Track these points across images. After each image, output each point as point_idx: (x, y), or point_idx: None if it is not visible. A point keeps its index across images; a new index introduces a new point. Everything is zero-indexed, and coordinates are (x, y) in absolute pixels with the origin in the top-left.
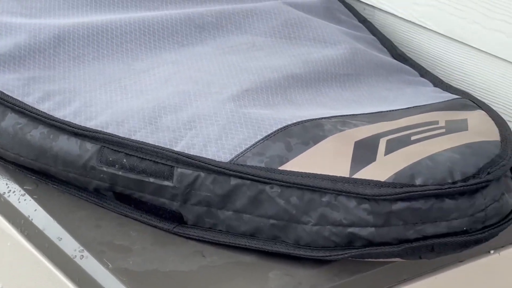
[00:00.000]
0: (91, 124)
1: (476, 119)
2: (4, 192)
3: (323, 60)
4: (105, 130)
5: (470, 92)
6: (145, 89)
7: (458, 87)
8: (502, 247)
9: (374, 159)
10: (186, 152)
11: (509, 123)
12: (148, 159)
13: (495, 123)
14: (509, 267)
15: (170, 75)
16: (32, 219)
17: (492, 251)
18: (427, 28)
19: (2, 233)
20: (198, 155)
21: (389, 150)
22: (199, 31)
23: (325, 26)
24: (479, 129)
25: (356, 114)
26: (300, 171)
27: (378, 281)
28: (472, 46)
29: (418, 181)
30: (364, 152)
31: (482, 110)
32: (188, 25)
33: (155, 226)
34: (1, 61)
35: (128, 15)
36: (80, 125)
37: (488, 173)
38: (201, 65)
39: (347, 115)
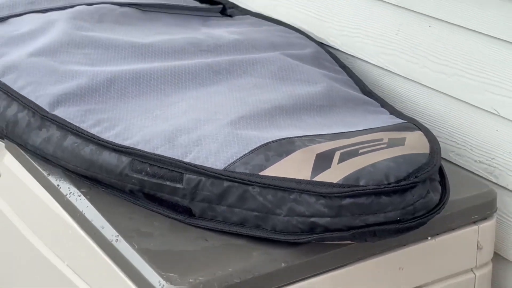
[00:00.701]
0: (127, 142)
1: (413, 137)
2: (67, 193)
3: (304, 95)
4: (135, 147)
5: (419, 119)
6: (169, 117)
7: (410, 115)
8: (437, 234)
9: (329, 167)
10: (192, 162)
11: (446, 143)
12: (165, 168)
13: (428, 140)
14: (442, 250)
15: (189, 106)
16: (84, 213)
17: (429, 238)
18: (391, 71)
19: (64, 223)
20: (201, 164)
21: (341, 160)
22: (216, 75)
23: (310, 70)
24: (414, 145)
25: (323, 134)
26: (274, 175)
27: (337, 259)
28: (422, 84)
29: (361, 183)
30: (322, 161)
31: (421, 131)
32: (207, 70)
33: (172, 218)
34: (67, 98)
35: (162, 64)
36: (118, 143)
37: (416, 177)
38: (213, 99)
39: (315, 135)
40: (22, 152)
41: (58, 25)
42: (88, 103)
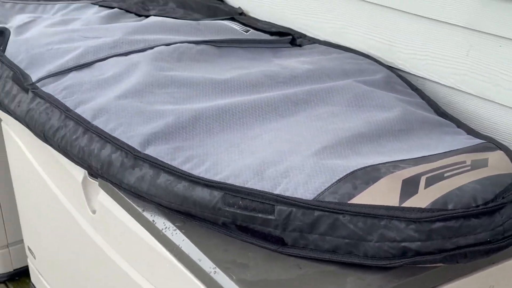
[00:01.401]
0: (217, 177)
1: (495, 158)
2: (162, 228)
3: (382, 120)
4: (226, 182)
5: (496, 137)
6: (254, 150)
7: (486, 133)
8: None
9: (416, 192)
10: (282, 194)
11: None
12: (257, 201)
13: (510, 160)
14: None
15: (272, 138)
16: (181, 246)
17: None
18: (463, 91)
19: (161, 256)
20: (291, 196)
21: (428, 184)
22: (294, 106)
23: (384, 95)
24: (497, 165)
25: (405, 159)
26: (363, 203)
27: (428, 281)
28: (496, 102)
29: (450, 206)
30: (409, 187)
31: (501, 150)
32: (286, 102)
33: (265, 248)
34: (156, 137)
35: (242, 98)
36: (210, 179)
37: (503, 197)
38: (294, 130)
39: (397, 160)
40: (116, 189)
41: (141, 67)
42: (176, 141)
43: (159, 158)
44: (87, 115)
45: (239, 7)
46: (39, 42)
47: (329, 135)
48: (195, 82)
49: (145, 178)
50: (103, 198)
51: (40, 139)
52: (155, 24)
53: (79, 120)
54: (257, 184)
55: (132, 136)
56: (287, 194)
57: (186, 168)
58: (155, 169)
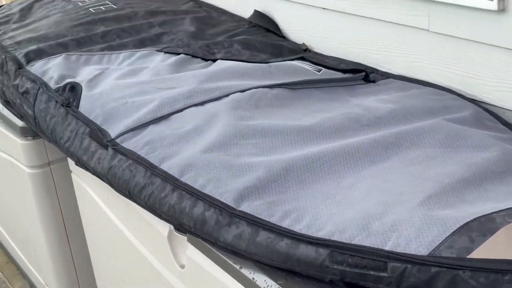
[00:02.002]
0: (320, 234)
1: None
2: (264, 286)
3: (481, 163)
4: (332, 238)
5: None
6: (353, 201)
7: None
8: None
9: None
10: (394, 250)
11: None
12: (368, 258)
13: None
14: None
15: (370, 188)
16: None
17: None
18: None
19: None
20: (404, 252)
21: None
22: (385, 150)
23: (477, 133)
24: None
25: None
26: (483, 258)
27: None
28: None
29: None
30: None
31: None
32: (375, 146)
33: None
34: (249, 192)
35: (330, 145)
36: (314, 236)
37: None
38: (390, 177)
39: (510, 208)
40: (208, 245)
41: (221, 118)
42: (269, 195)
43: (256, 215)
44: (174, 172)
45: (303, 43)
46: (113, 96)
47: (431, 183)
48: (278, 130)
49: (243, 236)
50: (193, 254)
51: (124, 196)
52: (227, 70)
53: (167, 177)
54: (365, 240)
55: (225, 192)
56: (399, 250)
57: (285, 224)
58: (253, 226)
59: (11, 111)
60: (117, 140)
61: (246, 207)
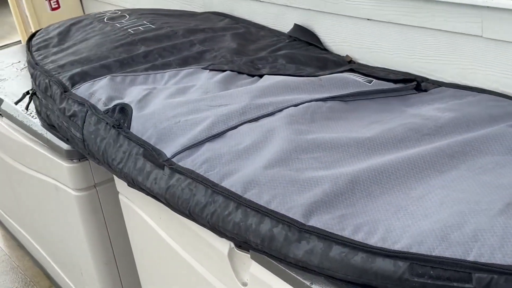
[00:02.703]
0: (397, 246)
1: None
2: None
3: None
4: (410, 251)
5: None
6: (427, 212)
7: None
8: None
9: None
10: (479, 261)
11: None
12: (450, 269)
13: None
14: None
15: (442, 198)
16: None
17: None
18: None
19: None
20: (489, 262)
21: None
22: (450, 159)
23: None
24: None
25: None
26: None
27: None
28: None
29: None
30: None
31: None
32: (441, 156)
33: None
34: (317, 207)
35: (394, 156)
36: (391, 249)
37: None
38: (462, 187)
39: None
40: (274, 262)
41: (279, 133)
42: (338, 209)
43: (327, 230)
44: (236, 189)
45: (347, 55)
46: (165, 115)
47: (507, 190)
48: (338, 144)
49: (315, 251)
50: (257, 271)
51: (183, 216)
52: (277, 85)
53: (230, 195)
54: (445, 251)
55: (292, 208)
56: (483, 260)
57: (359, 238)
58: (325, 241)
59: (56, 135)
60: (174, 160)
61: (315, 222)
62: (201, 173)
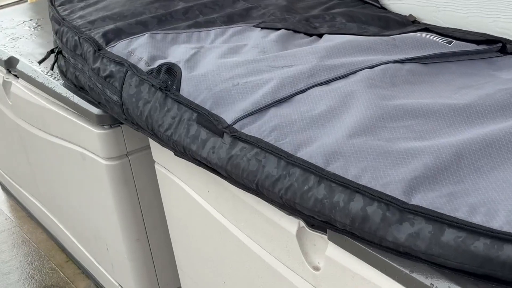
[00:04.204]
0: None
1: None
2: None
3: None
4: None
5: None
6: None
7: None
8: None
9: None
10: None
11: None
12: None
13: None
14: None
15: None
16: None
17: None
18: None
19: None
20: None
21: None
22: None
23: None
24: None
25: None
26: None
27: None
28: None
29: None
30: None
31: None
32: None
33: None
34: (418, 183)
35: (501, 126)
36: None
37: None
38: None
39: None
40: (361, 246)
41: (359, 98)
42: (445, 186)
43: (436, 210)
44: (317, 160)
45: (410, 15)
46: (220, 77)
47: None
48: (430, 111)
49: (422, 235)
50: (335, 254)
51: (246, 190)
52: (347, 45)
53: (309, 167)
54: None
55: (388, 184)
56: None
57: (478, 221)
58: (435, 223)
59: (85, 98)
60: (235, 126)
61: (420, 201)
62: (271, 142)
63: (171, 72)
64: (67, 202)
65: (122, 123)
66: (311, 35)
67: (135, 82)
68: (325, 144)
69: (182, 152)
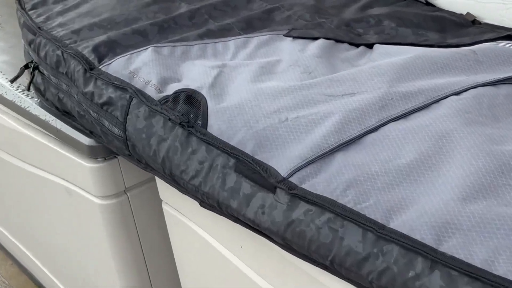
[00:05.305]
0: None
1: None
2: None
3: None
4: None
5: None
6: None
7: None
8: None
9: None
10: None
11: None
12: None
13: None
14: None
15: None
16: None
17: None
18: None
19: None
20: None
21: None
22: None
23: None
24: None
25: None
26: None
27: None
28: None
29: None
30: None
31: None
32: None
33: None
34: None
35: None
36: None
37: None
38: None
39: None
40: None
41: (460, 142)
42: None
43: None
44: (423, 236)
45: (468, 13)
46: (262, 110)
47: None
48: None
49: None
50: None
51: (314, 264)
52: (418, 62)
53: (414, 246)
54: None
55: None
56: None
57: None
58: None
59: (72, 125)
60: (293, 180)
61: None
62: (350, 205)
63: (192, 101)
64: (47, 238)
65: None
66: (357, 45)
67: (144, 113)
68: (430, 211)
69: (217, 207)
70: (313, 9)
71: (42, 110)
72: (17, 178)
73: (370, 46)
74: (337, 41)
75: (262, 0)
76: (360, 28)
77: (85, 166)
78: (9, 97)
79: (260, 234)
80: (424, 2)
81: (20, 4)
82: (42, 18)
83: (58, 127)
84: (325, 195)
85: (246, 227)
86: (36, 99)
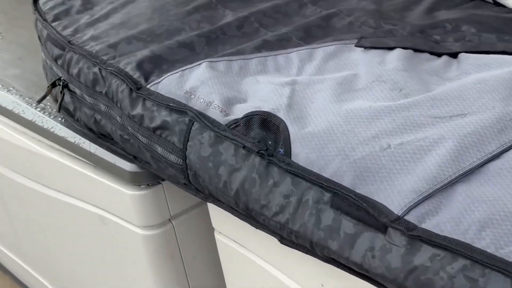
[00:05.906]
0: None
1: None
2: None
3: None
4: None
5: None
6: None
7: None
8: None
9: None
10: None
11: None
12: None
13: None
14: None
15: None
16: None
17: None
18: None
19: None
20: None
21: None
22: None
23: None
24: None
25: None
26: None
27: None
28: None
29: None
30: None
31: None
32: None
33: None
34: None
35: None
36: None
37: None
38: None
39: None
40: None
41: None
42: None
43: None
44: None
45: None
46: (357, 135)
47: None
48: None
49: None
50: None
51: None
52: None
53: None
54: None
55: None
56: None
57: None
58: None
59: (111, 149)
60: (409, 218)
61: None
62: (490, 250)
63: (268, 126)
64: (70, 272)
65: (163, 179)
66: (439, 55)
67: (210, 139)
68: None
69: (310, 249)
70: (376, 14)
71: (70, 131)
72: (35, 204)
73: (452, 55)
74: (416, 50)
75: (315, 5)
76: (436, 35)
77: (126, 194)
78: (27, 116)
79: (363, 278)
80: (492, 1)
81: (40, 15)
82: (69, 31)
83: (92, 150)
84: (454, 237)
85: (346, 270)
86: (60, 119)
